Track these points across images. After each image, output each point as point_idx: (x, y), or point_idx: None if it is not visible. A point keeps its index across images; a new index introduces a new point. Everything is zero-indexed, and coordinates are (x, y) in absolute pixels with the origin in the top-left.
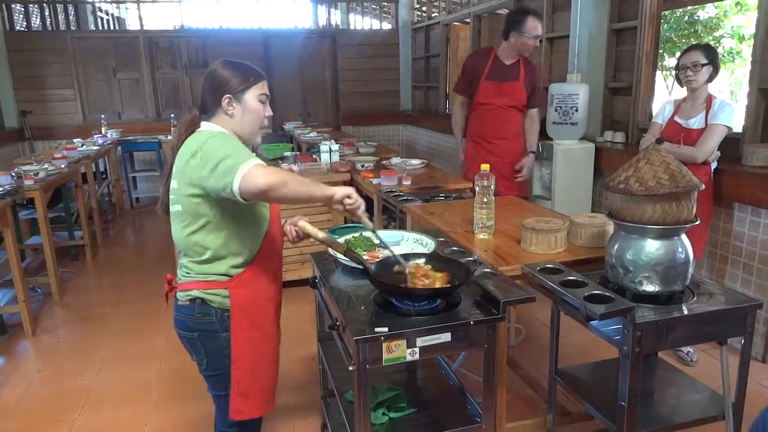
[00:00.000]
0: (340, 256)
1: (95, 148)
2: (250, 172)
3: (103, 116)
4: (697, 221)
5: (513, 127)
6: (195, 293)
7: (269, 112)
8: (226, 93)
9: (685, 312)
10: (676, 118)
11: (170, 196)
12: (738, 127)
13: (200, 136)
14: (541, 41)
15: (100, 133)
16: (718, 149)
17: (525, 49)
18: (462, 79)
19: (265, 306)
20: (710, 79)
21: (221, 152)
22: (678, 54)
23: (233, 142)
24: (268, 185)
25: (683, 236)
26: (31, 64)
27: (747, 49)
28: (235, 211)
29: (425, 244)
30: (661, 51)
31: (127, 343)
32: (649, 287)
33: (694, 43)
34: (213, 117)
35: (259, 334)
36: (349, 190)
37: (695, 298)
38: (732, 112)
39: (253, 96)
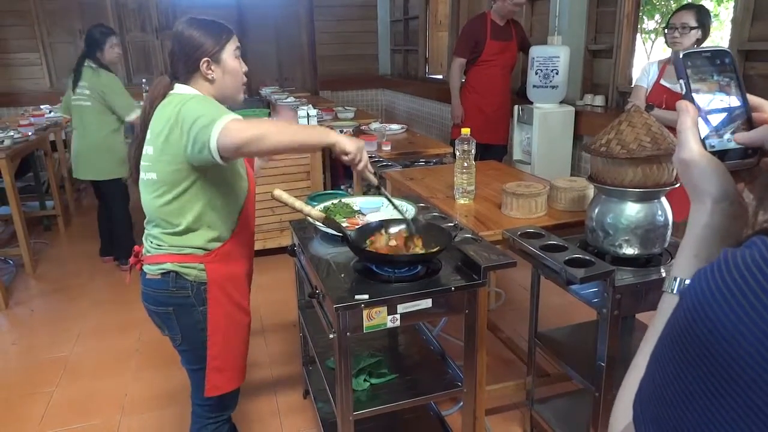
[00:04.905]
0: (319, 224)
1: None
2: (227, 127)
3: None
4: (677, 184)
5: (506, 84)
6: (168, 266)
7: (245, 68)
8: (203, 56)
9: (663, 274)
10: (663, 82)
11: (143, 163)
12: None
13: (175, 100)
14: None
15: None
16: None
17: (508, 14)
18: (465, 42)
19: (239, 280)
20: (698, 43)
21: (194, 113)
22: (657, 17)
23: (208, 102)
24: (248, 137)
25: (663, 199)
26: None
27: (725, 12)
28: (214, 180)
29: (405, 209)
30: (640, 13)
31: (104, 313)
32: (629, 250)
33: (684, 2)
34: (189, 82)
35: (234, 308)
36: (349, 146)
37: (673, 261)
38: None
39: (229, 54)
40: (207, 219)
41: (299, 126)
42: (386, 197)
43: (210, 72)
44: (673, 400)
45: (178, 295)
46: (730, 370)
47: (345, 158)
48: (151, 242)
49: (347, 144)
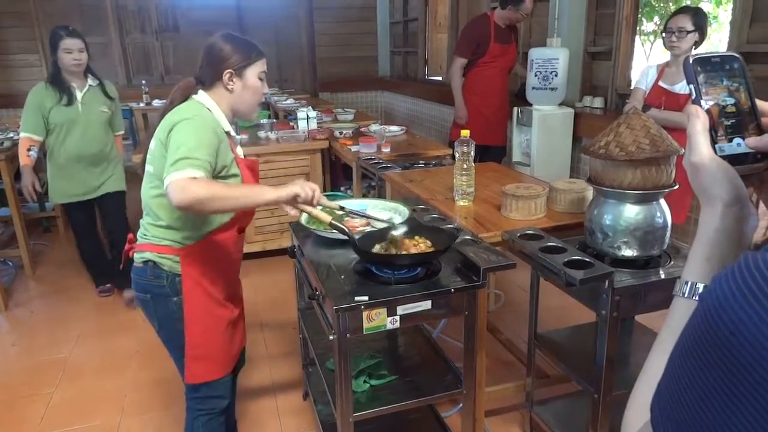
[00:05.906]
0: (315, 227)
1: None
2: (177, 184)
3: None
4: (676, 186)
5: (505, 86)
6: (147, 255)
7: (266, 89)
8: (228, 68)
9: (663, 276)
10: (661, 83)
11: (148, 156)
12: None
13: (184, 112)
14: None
15: None
16: None
17: (514, 21)
18: (467, 42)
19: (217, 278)
20: (695, 45)
21: (180, 144)
22: (656, 18)
23: (200, 136)
24: (192, 201)
25: (662, 201)
26: None
27: (723, 14)
28: None
29: (400, 212)
30: (639, 15)
31: (104, 314)
32: (628, 252)
33: (681, 6)
34: (211, 89)
35: (211, 302)
36: (295, 189)
37: (672, 262)
38: None
39: (253, 73)
40: (187, 223)
41: (248, 188)
42: (368, 216)
43: (231, 83)
44: (692, 401)
45: (154, 284)
46: (754, 373)
47: (300, 199)
48: (141, 231)
49: (290, 190)
